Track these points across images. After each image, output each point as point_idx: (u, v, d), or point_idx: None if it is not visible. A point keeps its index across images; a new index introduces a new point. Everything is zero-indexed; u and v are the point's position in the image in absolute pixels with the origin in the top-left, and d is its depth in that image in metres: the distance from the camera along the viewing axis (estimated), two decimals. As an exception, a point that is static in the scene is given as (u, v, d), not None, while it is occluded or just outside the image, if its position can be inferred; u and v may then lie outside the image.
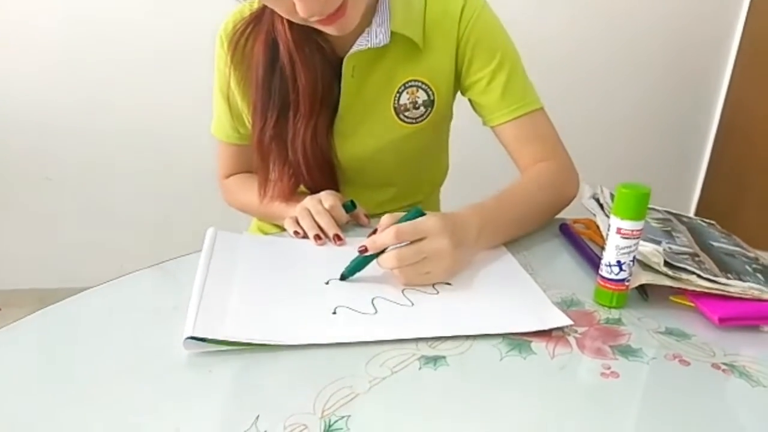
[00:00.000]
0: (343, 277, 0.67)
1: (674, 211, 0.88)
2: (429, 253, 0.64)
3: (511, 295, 0.65)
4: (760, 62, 1.91)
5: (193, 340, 0.53)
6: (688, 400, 0.50)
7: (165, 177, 2.00)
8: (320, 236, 0.76)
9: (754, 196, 1.90)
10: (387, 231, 0.64)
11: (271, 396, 0.49)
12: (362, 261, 0.67)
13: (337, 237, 0.76)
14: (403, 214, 0.67)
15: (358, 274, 0.67)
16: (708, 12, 1.99)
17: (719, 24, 2.01)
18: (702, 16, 1.99)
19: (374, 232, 0.67)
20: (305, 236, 0.77)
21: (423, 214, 0.67)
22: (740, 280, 0.65)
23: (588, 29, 1.98)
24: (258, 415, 0.46)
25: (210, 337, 0.54)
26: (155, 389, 0.50)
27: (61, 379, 0.51)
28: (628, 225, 0.61)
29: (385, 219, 0.67)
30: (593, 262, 0.72)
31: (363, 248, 0.66)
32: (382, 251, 0.66)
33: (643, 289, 0.67)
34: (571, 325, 0.59)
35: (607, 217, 0.79)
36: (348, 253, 0.74)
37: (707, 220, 0.88)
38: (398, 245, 0.65)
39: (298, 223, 0.79)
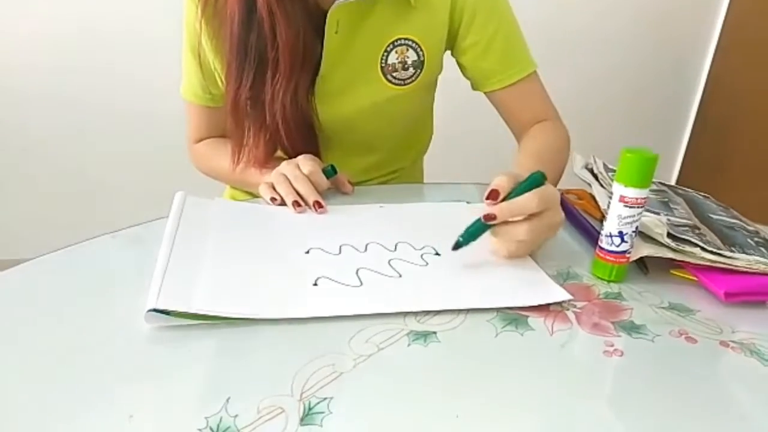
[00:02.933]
0: (457, 246, 0.59)
1: (667, 183, 0.85)
2: (552, 226, 0.60)
3: (505, 267, 0.60)
4: (745, 32, 1.89)
5: (156, 313, 0.48)
6: (698, 380, 0.46)
7: (141, 146, 1.91)
8: (299, 203, 0.71)
9: (735, 170, 1.90)
10: (528, 198, 0.57)
11: (243, 376, 0.44)
12: (481, 228, 0.59)
13: (318, 204, 0.71)
14: (517, 175, 0.61)
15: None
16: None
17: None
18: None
19: (489, 195, 0.59)
20: (282, 203, 0.72)
21: (545, 178, 0.60)
22: (744, 253, 0.62)
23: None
24: (228, 398, 0.41)
25: (175, 309, 0.48)
26: (110, 367, 0.44)
27: (4, 355, 0.45)
28: (632, 193, 0.57)
29: (504, 181, 0.59)
30: (589, 233, 0.68)
31: (492, 216, 0.58)
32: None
33: (642, 262, 0.63)
34: (569, 300, 0.55)
35: (603, 187, 0.75)
36: (329, 221, 0.69)
37: (702, 193, 0.85)
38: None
39: (274, 189, 0.73)
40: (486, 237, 0.61)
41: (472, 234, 0.60)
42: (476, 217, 0.60)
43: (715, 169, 2.00)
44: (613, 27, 1.98)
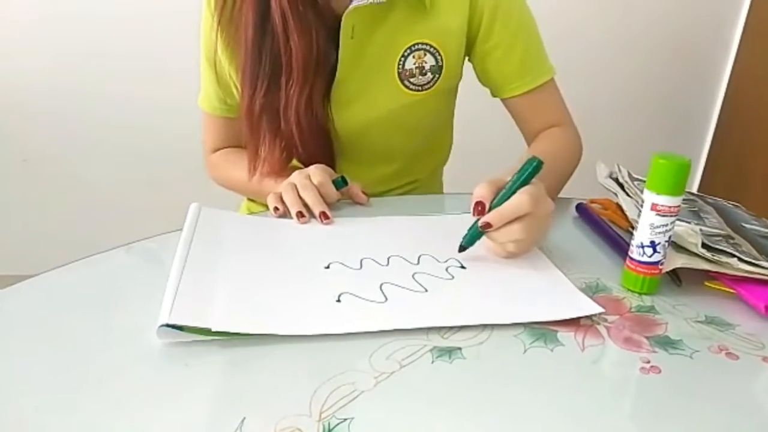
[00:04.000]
0: (462, 249, 0.61)
1: (696, 192, 0.82)
2: (545, 218, 0.60)
3: (533, 280, 0.58)
4: (766, 37, 1.85)
5: (169, 328, 0.46)
6: (742, 399, 0.44)
7: (149, 158, 1.90)
8: (303, 213, 0.68)
9: (758, 178, 1.85)
10: (520, 200, 0.57)
11: (259, 395, 0.42)
12: (480, 232, 0.60)
13: (324, 215, 0.68)
14: (497, 180, 0.61)
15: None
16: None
17: (725, 3, 1.95)
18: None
19: (476, 209, 0.59)
20: (283, 214, 0.69)
21: (542, 165, 0.59)
22: (783, 264, 0.58)
23: (586, 5, 1.90)
24: (244, 418, 0.39)
25: (189, 324, 0.46)
26: (119, 385, 0.43)
27: (9, 371, 0.44)
28: (664, 201, 0.54)
29: (486, 189, 0.59)
30: (617, 243, 0.66)
31: (486, 225, 0.58)
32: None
33: (675, 274, 0.60)
34: (600, 314, 0.53)
35: (629, 196, 0.73)
36: (347, 233, 0.67)
37: (732, 202, 0.81)
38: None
39: (282, 200, 0.71)
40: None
41: (473, 237, 0.61)
42: (473, 221, 0.60)
43: (737, 177, 1.95)
44: (631, 34, 1.94)
